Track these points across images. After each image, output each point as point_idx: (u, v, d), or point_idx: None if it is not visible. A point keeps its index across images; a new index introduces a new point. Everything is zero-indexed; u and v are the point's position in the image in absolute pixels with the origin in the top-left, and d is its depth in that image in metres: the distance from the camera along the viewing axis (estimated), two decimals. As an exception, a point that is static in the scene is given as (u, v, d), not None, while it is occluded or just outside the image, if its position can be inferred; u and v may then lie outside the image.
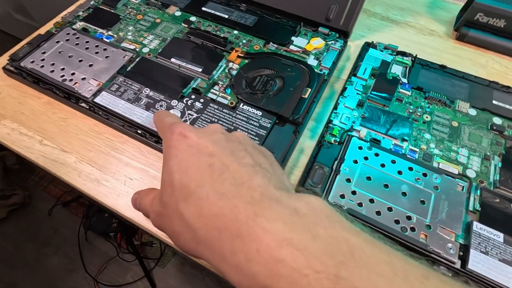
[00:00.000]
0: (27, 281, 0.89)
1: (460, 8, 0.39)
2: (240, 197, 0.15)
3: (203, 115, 0.29)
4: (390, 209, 0.24)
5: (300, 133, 0.29)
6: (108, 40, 0.35)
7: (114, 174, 0.28)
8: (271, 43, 0.35)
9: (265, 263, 0.13)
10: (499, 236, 0.23)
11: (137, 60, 0.33)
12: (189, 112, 0.29)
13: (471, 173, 0.26)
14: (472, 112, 0.30)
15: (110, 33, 0.36)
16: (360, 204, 0.24)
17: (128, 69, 0.33)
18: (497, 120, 0.29)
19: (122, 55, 0.33)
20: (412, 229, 0.23)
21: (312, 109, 0.31)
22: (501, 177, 0.26)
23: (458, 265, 0.22)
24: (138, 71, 0.32)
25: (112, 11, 0.38)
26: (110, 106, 0.30)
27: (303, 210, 0.14)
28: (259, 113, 0.29)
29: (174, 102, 0.30)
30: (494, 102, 0.31)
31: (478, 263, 0.22)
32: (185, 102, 0.30)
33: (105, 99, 0.30)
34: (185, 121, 0.29)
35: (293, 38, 0.35)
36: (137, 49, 0.34)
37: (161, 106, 0.30)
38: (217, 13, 0.38)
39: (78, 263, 0.91)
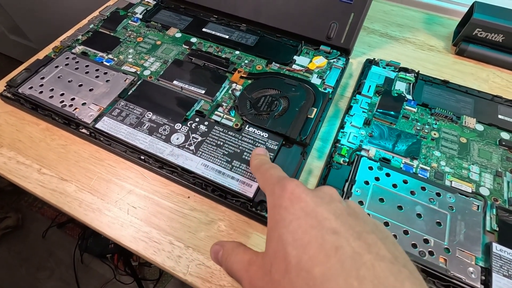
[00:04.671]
0: (20, 308, 0.85)
1: (457, 24, 0.40)
2: None
3: (208, 138, 0.28)
4: (406, 232, 0.23)
5: (307, 154, 0.29)
6: (108, 64, 0.34)
7: (117, 203, 0.27)
8: (273, 62, 0.35)
9: None
10: (520, 258, 0.22)
11: (138, 83, 0.33)
12: (193, 135, 0.29)
13: (484, 191, 0.26)
14: (479, 127, 0.30)
15: (110, 56, 0.36)
16: (374, 228, 0.24)
17: (129, 93, 0.32)
18: (505, 135, 0.29)
19: (123, 78, 0.33)
20: (431, 253, 0.22)
21: (318, 128, 0.30)
22: (515, 194, 0.25)
23: (481, 290, 0.21)
24: (139, 95, 0.32)
25: (112, 34, 0.38)
26: (112, 132, 0.29)
27: None
28: (265, 134, 0.28)
29: (177, 126, 0.29)
30: (500, 116, 0.31)
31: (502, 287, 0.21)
32: (189, 125, 0.29)
33: (106, 125, 0.29)
34: (190, 144, 0.28)
35: (295, 57, 0.35)
36: (138, 72, 0.34)
37: (164, 130, 0.29)
38: (218, 34, 0.38)
39: (74, 287, 0.87)
